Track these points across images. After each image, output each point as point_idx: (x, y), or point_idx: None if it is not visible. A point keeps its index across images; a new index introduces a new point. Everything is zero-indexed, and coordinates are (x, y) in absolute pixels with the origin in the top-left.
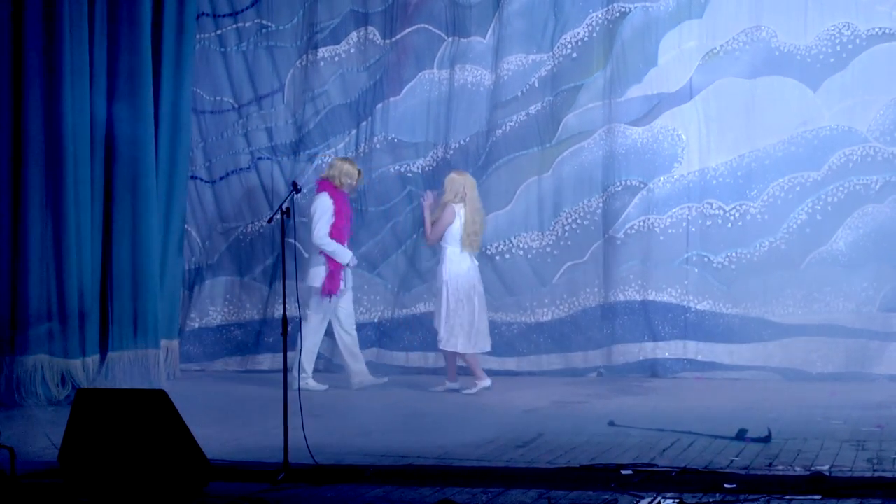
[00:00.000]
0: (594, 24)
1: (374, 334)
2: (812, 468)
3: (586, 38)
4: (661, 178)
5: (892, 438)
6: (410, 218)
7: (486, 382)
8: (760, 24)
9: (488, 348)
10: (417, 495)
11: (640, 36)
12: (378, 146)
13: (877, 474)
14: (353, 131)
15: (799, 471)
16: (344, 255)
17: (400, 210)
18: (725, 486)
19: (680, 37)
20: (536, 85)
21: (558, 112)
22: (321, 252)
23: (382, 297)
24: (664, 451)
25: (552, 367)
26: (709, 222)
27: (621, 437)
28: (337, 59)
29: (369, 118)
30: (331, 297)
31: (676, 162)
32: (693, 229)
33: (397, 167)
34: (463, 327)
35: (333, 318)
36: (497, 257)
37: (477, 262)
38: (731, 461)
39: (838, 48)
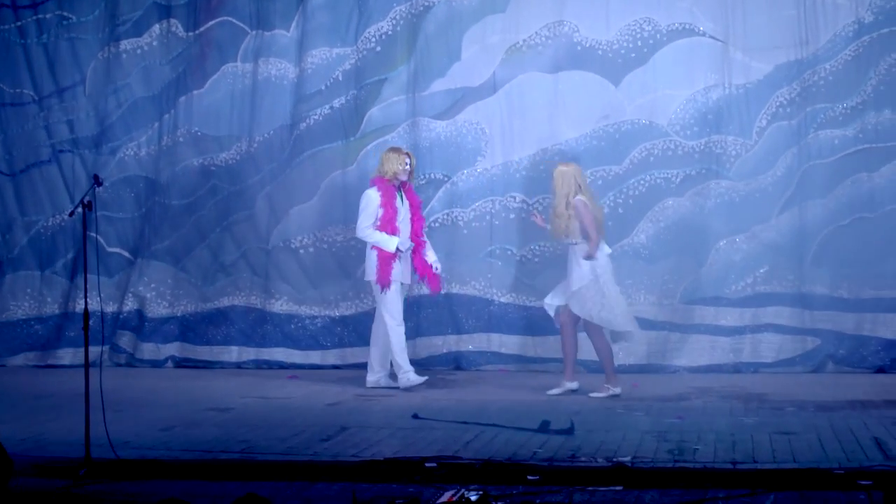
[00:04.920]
0: (398, 17)
1: (178, 328)
2: (614, 459)
3: (390, 32)
4: (465, 172)
5: (692, 429)
6: (214, 212)
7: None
8: (563, 18)
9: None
10: (222, 490)
11: (444, 30)
12: (181, 139)
13: (677, 465)
14: (156, 124)
15: (601, 462)
16: (389, 242)
17: (203, 203)
18: (528, 477)
19: (483, 31)
20: (340, 78)
21: (362, 105)
22: (373, 246)
23: (186, 291)
24: (468, 443)
25: (356, 360)
26: (512, 216)
27: (425, 430)
28: (139, 51)
29: (172, 111)
30: (384, 290)
31: (480, 156)
32: (497, 223)
33: (201, 160)
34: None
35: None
36: (301, 251)
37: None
38: (534, 453)
39: (639, 43)
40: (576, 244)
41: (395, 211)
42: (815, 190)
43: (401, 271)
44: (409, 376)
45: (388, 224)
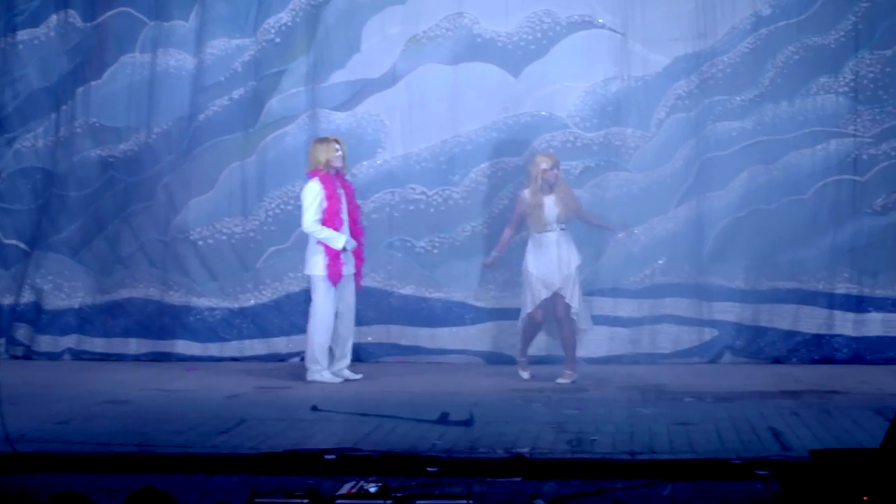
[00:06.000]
0: (297, 8)
1: (75, 320)
2: (513, 450)
3: (290, 23)
4: (365, 163)
5: (590, 420)
6: (112, 203)
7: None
8: (463, 10)
9: None
10: (120, 482)
11: (344, 21)
12: (79, 130)
13: (576, 456)
14: (54, 115)
15: (500, 453)
16: (337, 239)
17: (101, 194)
18: (428, 469)
19: (383, 22)
20: (240, 69)
21: (262, 96)
22: (319, 241)
23: (83, 282)
24: (367, 435)
25: (255, 352)
26: (412, 207)
27: (324, 421)
28: (36, 41)
29: (70, 102)
30: (335, 285)
31: (380, 147)
32: (396, 214)
33: (98, 152)
34: None
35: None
36: (200, 242)
37: None
38: (434, 445)
39: (539, 35)
40: (564, 229)
41: (340, 202)
42: (713, 182)
43: (348, 264)
44: (323, 374)
45: (334, 217)
